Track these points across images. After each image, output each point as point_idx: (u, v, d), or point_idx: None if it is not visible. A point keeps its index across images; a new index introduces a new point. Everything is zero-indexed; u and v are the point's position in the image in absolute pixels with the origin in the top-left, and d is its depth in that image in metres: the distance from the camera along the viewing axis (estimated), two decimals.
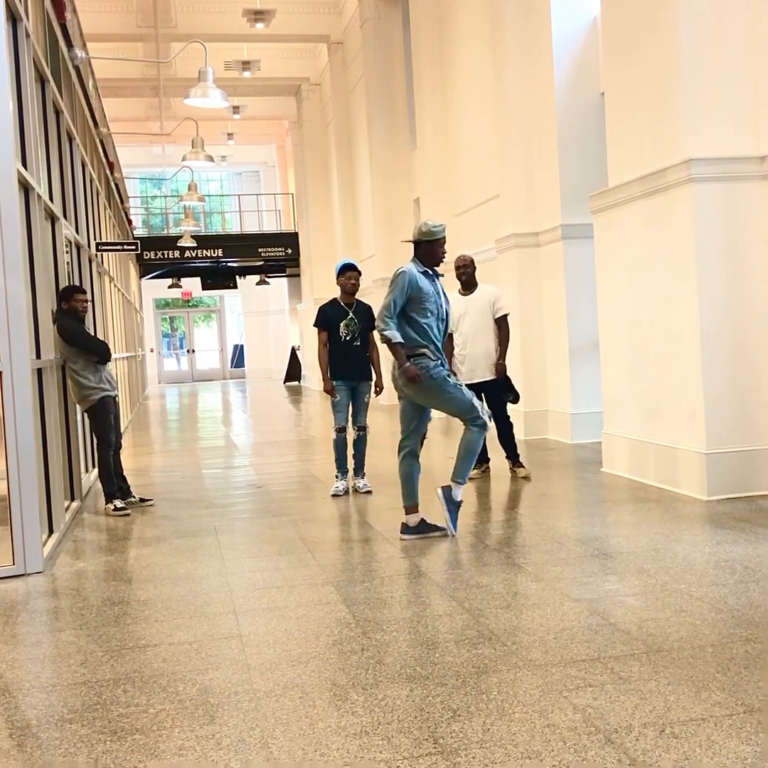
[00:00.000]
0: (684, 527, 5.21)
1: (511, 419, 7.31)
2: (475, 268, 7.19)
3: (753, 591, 3.91)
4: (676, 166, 6.01)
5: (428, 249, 5.24)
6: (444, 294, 5.33)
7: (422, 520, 5.31)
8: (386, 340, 5.15)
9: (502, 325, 7.09)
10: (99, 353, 6.66)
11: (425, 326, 5.17)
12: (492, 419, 5.33)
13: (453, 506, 5.26)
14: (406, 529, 5.31)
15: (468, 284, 7.17)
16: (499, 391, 7.11)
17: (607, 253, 7.18)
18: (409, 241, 5.36)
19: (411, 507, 5.32)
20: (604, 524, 5.45)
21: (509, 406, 7.24)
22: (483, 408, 5.27)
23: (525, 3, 9.61)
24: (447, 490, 5.28)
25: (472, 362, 7.08)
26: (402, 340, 5.12)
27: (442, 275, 5.39)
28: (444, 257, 5.32)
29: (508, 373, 7.14)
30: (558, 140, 9.16)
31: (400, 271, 5.18)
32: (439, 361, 5.20)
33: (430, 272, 5.26)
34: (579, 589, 4.07)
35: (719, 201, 5.95)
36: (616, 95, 6.90)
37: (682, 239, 6.06)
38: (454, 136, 13.12)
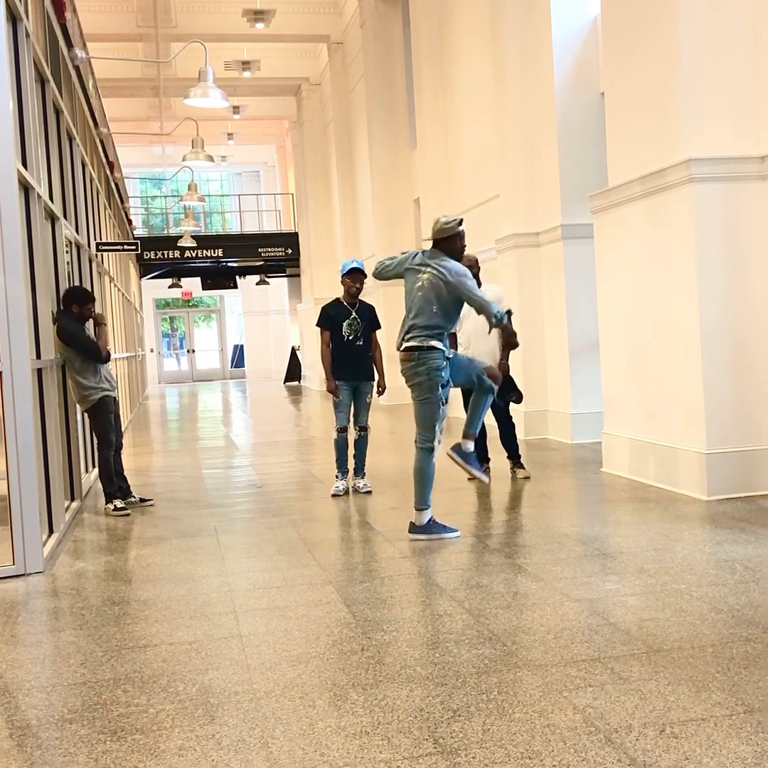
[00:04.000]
0: (684, 527, 5.21)
1: (513, 420, 7.31)
2: (479, 268, 7.19)
3: (753, 591, 3.91)
4: (676, 166, 6.01)
5: (446, 246, 5.22)
6: None
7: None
8: (505, 319, 5.12)
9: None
10: (96, 355, 6.65)
11: (452, 320, 5.25)
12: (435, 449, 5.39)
13: (434, 528, 5.28)
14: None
15: None
16: (502, 390, 7.10)
17: (607, 253, 7.18)
18: (429, 239, 5.33)
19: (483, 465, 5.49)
20: (604, 524, 5.45)
21: (511, 406, 7.24)
22: (439, 436, 5.27)
23: (525, 3, 9.61)
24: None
25: None
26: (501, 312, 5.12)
27: None
28: (463, 250, 5.31)
29: (511, 373, 7.13)
30: (558, 140, 9.16)
31: (462, 269, 5.19)
32: (445, 364, 5.19)
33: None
34: (579, 589, 4.07)
35: (719, 201, 5.95)
36: (616, 95, 6.90)
37: (682, 239, 6.06)
38: (454, 136, 13.12)
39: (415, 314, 5.22)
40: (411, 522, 5.32)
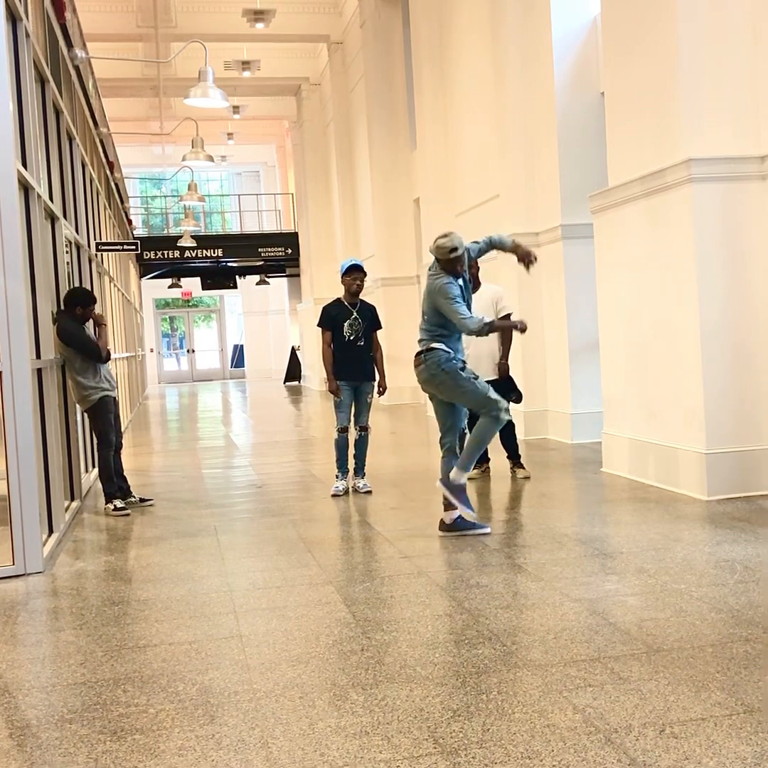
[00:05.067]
0: (684, 527, 5.21)
1: (513, 420, 7.30)
2: (478, 267, 7.18)
3: (753, 591, 3.91)
4: (676, 166, 6.01)
5: (441, 265, 5.17)
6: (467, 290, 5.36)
7: (460, 517, 5.31)
8: (485, 330, 5.03)
9: None
10: (96, 355, 6.64)
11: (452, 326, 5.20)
12: (509, 412, 5.30)
13: (458, 492, 5.23)
14: (442, 526, 5.35)
15: (472, 284, 7.14)
16: (502, 391, 7.09)
17: (607, 253, 7.18)
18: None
19: (448, 505, 5.34)
20: (604, 524, 5.45)
21: (511, 406, 7.23)
22: (499, 401, 5.17)
23: (525, 3, 9.61)
24: (445, 480, 5.30)
25: (475, 362, 7.05)
26: (489, 320, 5.10)
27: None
28: (458, 273, 5.16)
29: (510, 373, 7.13)
30: (558, 140, 9.16)
31: (439, 276, 5.14)
32: (452, 354, 5.21)
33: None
34: (579, 589, 4.07)
35: (719, 201, 5.95)
36: (616, 95, 6.90)
37: (682, 239, 6.06)
38: (454, 136, 13.11)
39: (421, 322, 5.37)
40: (448, 474, 5.28)
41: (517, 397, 7.15)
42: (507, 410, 5.24)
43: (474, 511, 5.29)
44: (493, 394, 5.21)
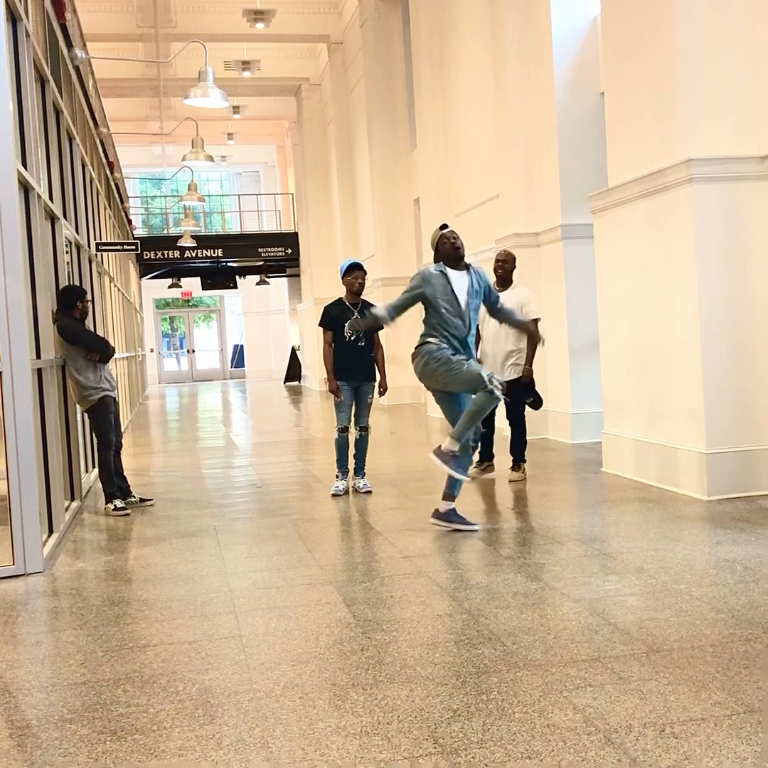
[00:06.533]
0: (684, 527, 5.21)
1: (525, 424, 7.25)
2: (514, 266, 7.12)
3: (753, 591, 3.91)
4: (676, 166, 6.01)
5: (444, 251, 5.45)
6: (484, 286, 5.45)
7: (452, 510, 5.41)
8: (384, 320, 5.49)
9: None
10: (100, 351, 6.66)
11: (439, 320, 5.31)
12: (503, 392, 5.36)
13: (448, 459, 5.30)
14: (435, 513, 5.48)
15: (503, 280, 7.07)
16: (521, 394, 7.06)
17: (607, 253, 7.18)
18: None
19: (447, 496, 5.46)
20: (604, 524, 5.45)
21: (528, 411, 7.22)
22: (492, 378, 5.19)
23: (525, 3, 9.61)
24: (437, 451, 5.39)
25: (491, 361, 7.01)
26: (383, 315, 5.47)
27: (470, 265, 5.47)
28: (454, 249, 5.38)
29: (534, 378, 7.12)
30: (558, 140, 9.16)
31: (416, 272, 5.53)
32: (445, 345, 5.29)
33: (449, 269, 5.37)
34: (579, 589, 4.07)
35: (719, 201, 5.95)
36: (616, 95, 6.90)
37: (682, 239, 6.06)
38: (454, 136, 13.11)
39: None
40: (439, 445, 5.38)
41: (534, 402, 7.13)
42: (498, 390, 5.23)
43: (468, 477, 5.43)
44: (487, 373, 5.21)
